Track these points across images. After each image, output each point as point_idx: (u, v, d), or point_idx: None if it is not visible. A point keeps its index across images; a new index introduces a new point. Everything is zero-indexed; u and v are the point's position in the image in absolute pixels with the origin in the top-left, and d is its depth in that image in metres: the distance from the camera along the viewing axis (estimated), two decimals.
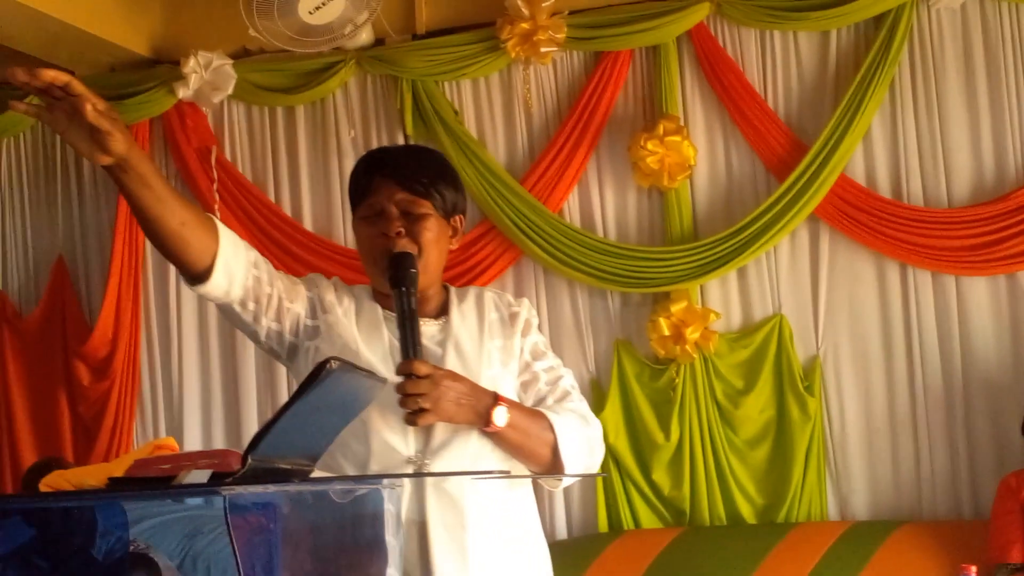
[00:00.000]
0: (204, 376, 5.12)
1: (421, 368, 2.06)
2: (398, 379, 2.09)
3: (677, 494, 4.57)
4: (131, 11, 5.05)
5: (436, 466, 2.13)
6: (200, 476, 1.52)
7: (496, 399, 2.14)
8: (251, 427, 4.99)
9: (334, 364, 1.57)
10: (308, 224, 5.04)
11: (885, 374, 4.51)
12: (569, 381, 2.34)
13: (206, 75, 4.97)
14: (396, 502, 2.05)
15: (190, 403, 5.10)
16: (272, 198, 5.08)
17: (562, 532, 4.72)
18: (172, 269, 5.04)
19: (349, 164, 4.95)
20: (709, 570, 4.26)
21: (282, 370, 5.00)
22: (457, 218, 2.32)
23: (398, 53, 4.88)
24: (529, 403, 2.28)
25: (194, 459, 1.69)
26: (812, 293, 4.57)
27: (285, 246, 4.98)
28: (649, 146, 4.55)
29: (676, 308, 4.53)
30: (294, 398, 1.55)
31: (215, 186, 5.03)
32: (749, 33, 4.68)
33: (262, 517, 1.73)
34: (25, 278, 5.35)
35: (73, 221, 5.29)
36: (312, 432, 1.73)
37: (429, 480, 2.12)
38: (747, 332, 4.61)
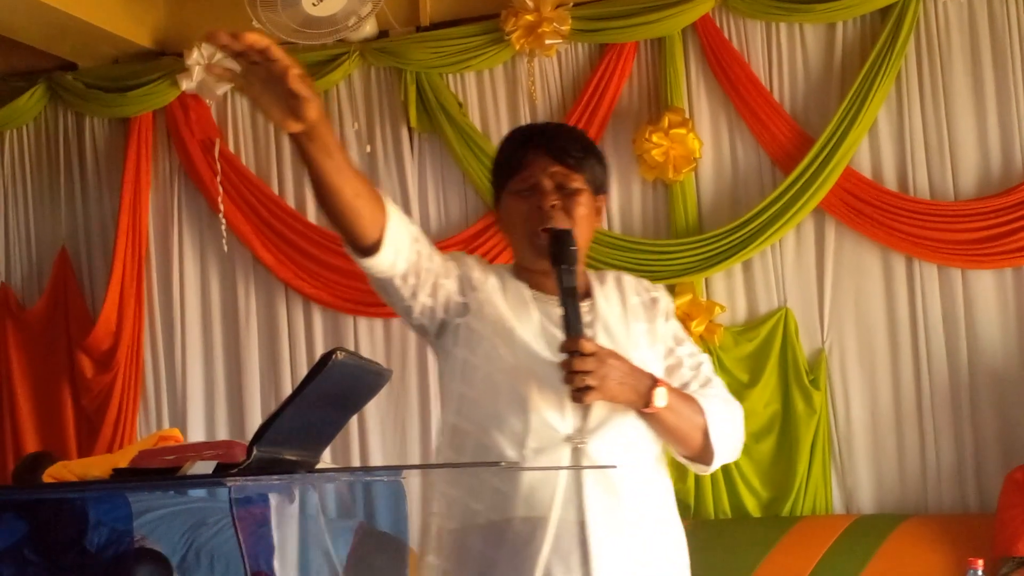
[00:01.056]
0: (207, 367, 5.11)
1: (587, 346, 2.05)
2: (548, 359, 2.09)
3: (681, 487, 4.55)
4: (134, 2, 5.04)
5: (593, 446, 2.11)
6: (205, 467, 1.51)
7: (655, 380, 2.13)
8: (255, 418, 4.98)
9: (340, 354, 1.56)
10: (312, 217, 5.03)
11: (891, 367, 4.49)
12: (709, 366, 2.33)
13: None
14: (553, 479, 2.09)
15: (193, 395, 5.10)
16: (276, 190, 5.07)
17: None
18: (175, 260, 5.11)
19: (353, 156, 4.98)
20: (713, 564, 4.22)
21: (286, 362, 5.00)
22: (602, 197, 2.30)
23: (402, 45, 4.86)
24: (674, 387, 2.26)
25: (199, 450, 1.68)
26: (818, 286, 4.55)
27: (289, 238, 4.97)
28: (654, 139, 4.54)
29: (681, 301, 4.51)
30: (299, 389, 1.54)
31: (218, 178, 5.02)
32: (755, 25, 4.65)
33: (267, 508, 1.72)
34: (28, 270, 5.34)
35: (76, 213, 5.28)
36: (318, 423, 1.72)
37: (585, 456, 2.11)
38: (752, 325, 4.59)
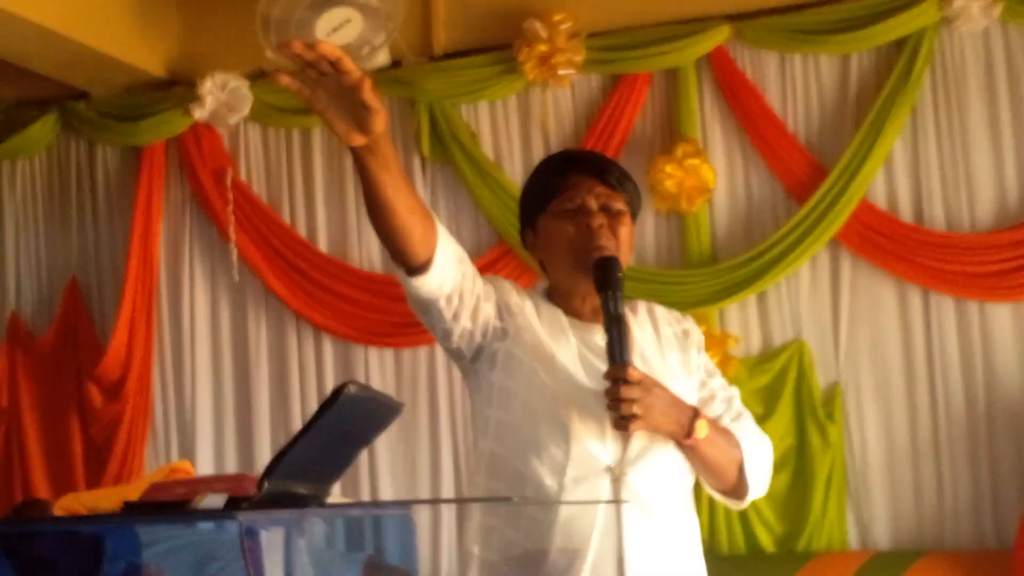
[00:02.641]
0: (217, 398, 5.10)
1: (634, 374, 2.02)
2: (589, 388, 2.08)
3: None
4: (147, 32, 5.05)
5: (633, 476, 2.08)
6: (216, 500, 1.49)
7: (696, 412, 2.10)
8: (264, 449, 4.96)
9: (351, 388, 1.54)
10: (323, 246, 5.02)
11: (907, 401, 4.45)
12: (740, 401, 2.30)
13: (222, 96, 4.96)
14: (587, 496, 2.06)
15: (202, 425, 5.08)
16: (287, 220, 5.07)
17: None
18: (186, 290, 5.10)
19: None
20: None
21: (296, 392, 4.98)
22: (634, 223, 2.27)
23: (415, 75, 4.86)
24: None
25: (210, 483, 1.67)
26: (833, 319, 4.52)
27: (300, 268, 4.96)
28: (668, 169, 4.53)
29: None
30: (311, 423, 1.52)
31: (230, 208, 5.02)
32: (769, 56, 4.65)
33: (277, 542, 1.70)
34: (38, 299, 5.34)
35: (87, 242, 5.28)
36: (328, 456, 1.70)
37: (626, 488, 2.07)
38: (767, 358, 4.56)
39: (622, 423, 2.01)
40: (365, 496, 4.81)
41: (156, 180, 5.10)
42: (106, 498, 3.66)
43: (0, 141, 5.29)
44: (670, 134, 4.69)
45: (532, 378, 2.12)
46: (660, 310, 2.32)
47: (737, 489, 2.21)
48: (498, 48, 4.80)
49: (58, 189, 5.35)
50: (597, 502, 2.08)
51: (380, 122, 1.81)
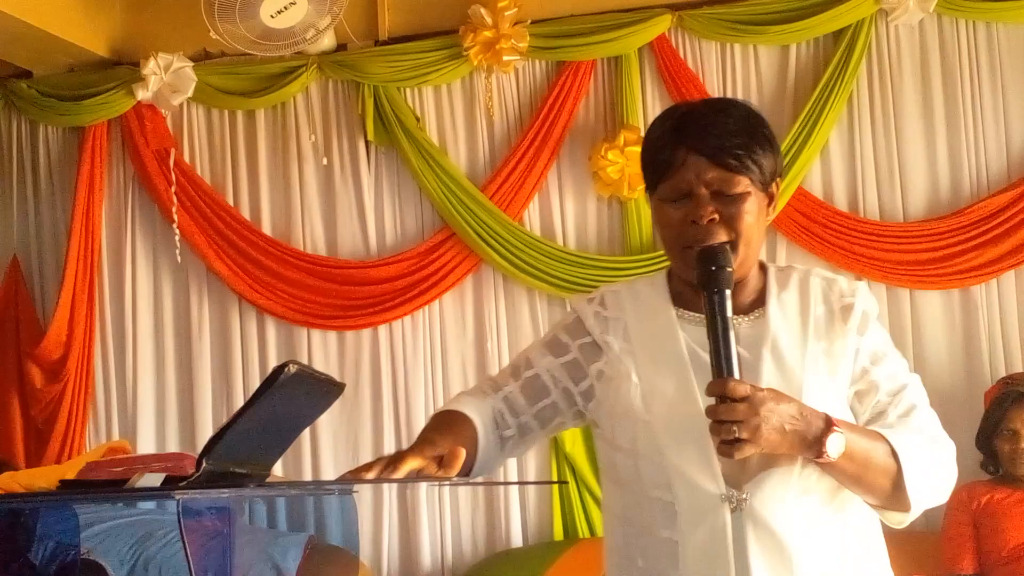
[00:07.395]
0: (159, 379, 5.08)
1: (738, 389, 1.70)
2: (695, 401, 1.78)
3: None
4: (91, 11, 5.01)
5: (758, 501, 1.79)
6: (154, 480, 1.50)
7: (828, 423, 1.74)
8: (206, 430, 4.95)
9: (292, 367, 1.55)
10: (267, 228, 5.02)
11: None
12: (915, 391, 1.93)
13: (166, 77, 4.94)
14: (708, 536, 1.80)
15: (144, 406, 5.06)
16: (231, 202, 5.05)
17: (517, 540, 4.72)
18: (128, 270, 5.07)
19: (309, 169, 4.98)
20: None
21: (238, 374, 4.98)
22: (775, 183, 1.91)
23: (360, 59, 4.87)
24: (865, 418, 1.89)
25: (147, 462, 1.68)
26: None
27: (243, 250, 4.95)
28: (610, 156, 4.57)
29: None
30: (251, 402, 1.53)
31: (173, 189, 5.00)
32: (710, 46, 4.71)
33: (217, 521, 1.71)
34: None
35: (28, 221, 5.23)
36: (269, 436, 1.71)
37: (749, 515, 1.79)
38: None
39: (726, 448, 1.71)
40: (308, 476, 4.82)
41: (99, 160, 5.07)
42: (42, 477, 3.64)
43: None
44: (613, 121, 4.74)
45: (627, 418, 1.89)
46: (818, 282, 1.95)
47: (896, 503, 1.83)
48: (443, 33, 4.82)
49: None
50: (549, 480, 1.99)
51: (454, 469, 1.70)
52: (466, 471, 1.81)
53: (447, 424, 1.89)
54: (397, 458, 1.65)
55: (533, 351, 2.03)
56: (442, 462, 1.69)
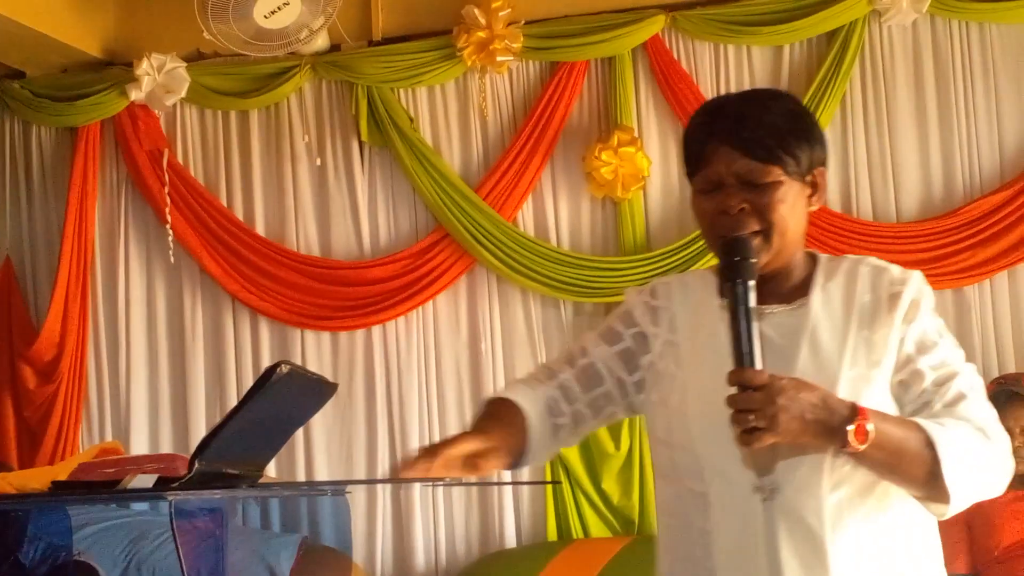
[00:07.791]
0: (152, 380, 5.07)
1: (755, 378, 1.68)
2: (727, 392, 1.73)
3: (626, 503, 4.59)
4: (84, 12, 5.00)
5: (789, 492, 1.78)
6: (146, 481, 1.50)
7: (855, 412, 1.69)
8: (199, 431, 4.94)
9: (284, 368, 1.55)
10: (261, 229, 5.01)
11: None
12: (967, 381, 1.84)
13: (159, 77, 4.93)
14: (740, 527, 1.79)
15: (137, 407, 5.05)
16: (224, 202, 5.05)
17: (511, 540, 4.71)
18: (121, 271, 5.07)
19: (303, 169, 4.98)
20: None
21: (232, 375, 4.98)
22: (817, 172, 1.89)
23: (354, 59, 4.87)
24: (909, 409, 1.83)
25: (140, 463, 1.68)
26: None
27: (236, 250, 4.95)
28: (603, 156, 4.58)
29: None
30: (243, 402, 1.54)
31: (166, 189, 4.99)
32: (703, 46, 4.71)
33: (209, 522, 1.71)
34: None
35: (21, 222, 5.22)
36: (262, 437, 1.71)
37: (780, 507, 1.78)
38: None
39: (744, 437, 1.68)
40: (301, 477, 4.82)
41: (92, 161, 5.06)
42: (34, 478, 3.63)
43: None
44: (606, 122, 4.74)
45: (665, 409, 1.91)
46: (865, 272, 1.91)
47: (934, 494, 1.76)
48: (437, 34, 4.82)
49: None
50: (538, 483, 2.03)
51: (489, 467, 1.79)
52: (516, 458, 1.87)
53: (497, 415, 1.92)
54: (450, 442, 1.72)
55: (588, 340, 2.05)
56: (478, 457, 1.75)
